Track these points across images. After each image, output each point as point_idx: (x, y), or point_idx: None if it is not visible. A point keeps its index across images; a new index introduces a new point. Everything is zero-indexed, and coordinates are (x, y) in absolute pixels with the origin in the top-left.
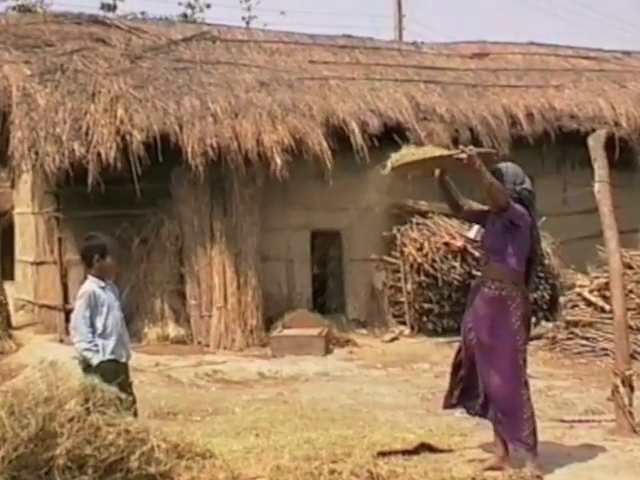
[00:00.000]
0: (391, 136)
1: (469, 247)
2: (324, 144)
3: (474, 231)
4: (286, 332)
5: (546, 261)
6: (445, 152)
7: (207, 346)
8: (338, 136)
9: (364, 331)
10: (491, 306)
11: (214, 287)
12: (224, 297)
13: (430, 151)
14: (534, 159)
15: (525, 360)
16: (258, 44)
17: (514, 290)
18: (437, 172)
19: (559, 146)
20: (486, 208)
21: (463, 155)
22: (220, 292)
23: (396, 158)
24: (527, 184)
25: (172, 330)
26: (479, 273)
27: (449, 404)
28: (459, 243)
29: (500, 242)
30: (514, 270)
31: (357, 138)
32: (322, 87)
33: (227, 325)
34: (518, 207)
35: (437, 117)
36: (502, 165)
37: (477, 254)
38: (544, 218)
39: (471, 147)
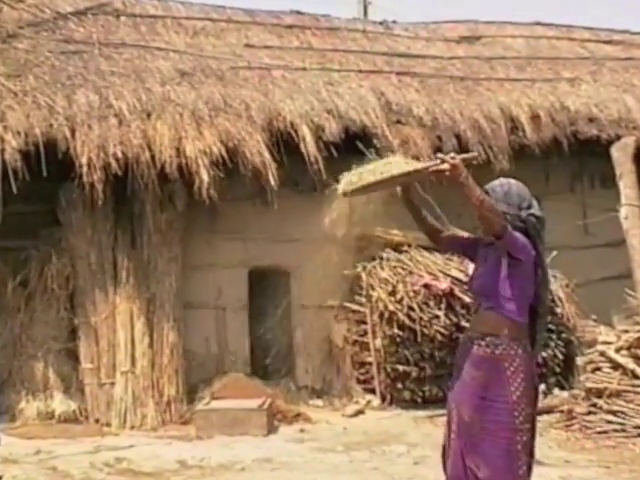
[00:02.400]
0: (354, 144)
1: (457, 290)
2: (266, 155)
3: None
4: (216, 404)
5: (558, 309)
6: (418, 165)
7: (108, 425)
8: (285, 144)
9: (319, 402)
10: (481, 369)
11: (118, 345)
12: (131, 358)
13: (397, 166)
14: (541, 175)
15: (529, 445)
16: (177, 21)
17: (512, 348)
18: (399, 190)
19: (574, 158)
20: (475, 236)
21: (445, 166)
22: (126, 352)
23: (350, 180)
24: (535, 209)
25: (59, 404)
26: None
27: None
28: (444, 285)
29: (494, 282)
30: (513, 320)
31: (309, 147)
32: (263, 79)
33: (136, 396)
34: (519, 235)
35: (414, 120)
36: (502, 182)
37: (468, 300)
38: (554, 252)
39: (452, 154)
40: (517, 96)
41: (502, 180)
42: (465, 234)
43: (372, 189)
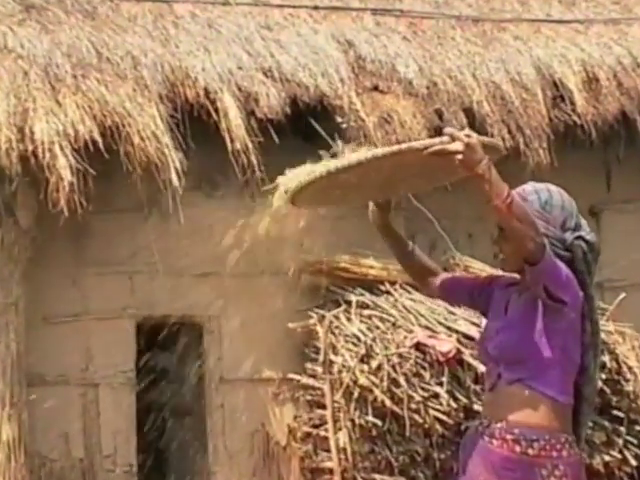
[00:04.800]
0: (306, 123)
1: (467, 354)
2: (165, 139)
3: None
4: None
5: (628, 386)
6: (413, 144)
7: None
8: (196, 123)
9: None
10: (507, 477)
11: None
12: None
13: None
14: (599, 173)
15: None
16: None
17: (554, 445)
18: (371, 207)
19: None
20: (486, 275)
21: (456, 146)
22: None
23: (298, 179)
24: (585, 230)
25: None
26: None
27: None
28: (447, 347)
29: (523, 340)
30: (554, 401)
31: (235, 127)
32: (160, 19)
33: None
34: (562, 265)
35: (400, 85)
36: (537, 188)
37: (484, 369)
38: (623, 295)
39: (468, 130)
40: (563, 48)
41: (537, 185)
42: (470, 274)
43: (335, 194)
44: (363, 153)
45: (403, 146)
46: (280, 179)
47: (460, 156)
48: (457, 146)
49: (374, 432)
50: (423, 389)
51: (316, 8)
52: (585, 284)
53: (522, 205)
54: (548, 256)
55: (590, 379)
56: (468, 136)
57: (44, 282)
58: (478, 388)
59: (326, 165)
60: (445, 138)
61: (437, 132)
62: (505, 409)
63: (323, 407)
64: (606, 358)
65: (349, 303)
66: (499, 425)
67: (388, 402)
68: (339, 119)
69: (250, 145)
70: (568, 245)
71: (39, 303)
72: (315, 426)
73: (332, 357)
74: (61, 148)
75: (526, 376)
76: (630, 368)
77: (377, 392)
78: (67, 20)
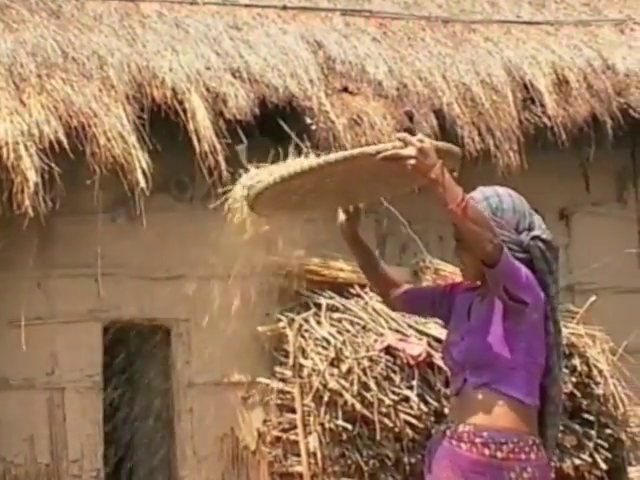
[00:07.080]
0: (275, 124)
1: (438, 358)
2: (132, 141)
3: None
4: None
5: (598, 389)
6: (366, 149)
7: None
8: (163, 124)
9: None
10: None
11: None
12: None
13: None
14: (570, 175)
15: None
16: None
17: (522, 448)
18: (341, 216)
19: (624, 148)
20: (447, 283)
21: (409, 151)
22: None
23: (257, 181)
24: (540, 229)
25: None
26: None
27: None
28: (417, 350)
29: (486, 344)
30: (520, 403)
31: (203, 128)
32: (127, 18)
33: None
34: (520, 265)
35: (370, 87)
36: (487, 194)
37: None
38: (593, 298)
39: (420, 136)
40: (533, 49)
41: (486, 191)
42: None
43: (292, 200)
44: (315, 159)
45: (355, 151)
46: (239, 183)
47: (412, 161)
48: (409, 151)
49: (344, 436)
50: (393, 393)
51: (285, 8)
52: (546, 284)
53: (477, 208)
54: (505, 257)
55: (555, 380)
56: (421, 141)
57: (9, 285)
58: (449, 392)
59: (279, 171)
60: (397, 143)
61: (407, 133)
62: (472, 413)
63: (293, 411)
64: (576, 361)
65: (319, 306)
66: (467, 429)
67: (358, 406)
68: (308, 120)
69: (218, 146)
70: (525, 247)
71: (4, 306)
72: (285, 430)
73: (302, 361)
74: (26, 148)
75: (492, 379)
76: (600, 371)
77: (347, 396)
78: (31, 19)
